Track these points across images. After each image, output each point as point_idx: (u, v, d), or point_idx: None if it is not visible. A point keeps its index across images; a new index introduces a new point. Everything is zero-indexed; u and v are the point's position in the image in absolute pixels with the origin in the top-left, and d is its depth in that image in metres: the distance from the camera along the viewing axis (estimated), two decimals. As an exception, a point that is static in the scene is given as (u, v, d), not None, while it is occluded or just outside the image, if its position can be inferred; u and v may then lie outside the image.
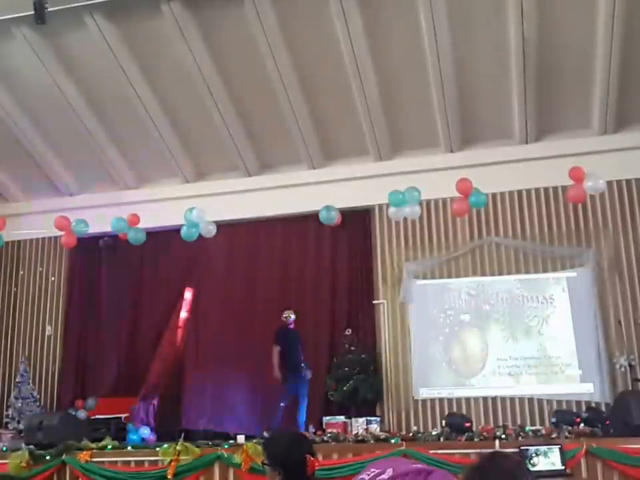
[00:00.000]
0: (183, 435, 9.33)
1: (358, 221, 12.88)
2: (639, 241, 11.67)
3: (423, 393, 11.72)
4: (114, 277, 13.99)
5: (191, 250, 12.60)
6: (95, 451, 9.32)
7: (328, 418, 10.20)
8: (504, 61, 11.24)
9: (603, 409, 10.58)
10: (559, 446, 7.41)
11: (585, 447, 7.43)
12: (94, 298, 14.00)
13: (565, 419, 8.69)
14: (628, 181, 11.89)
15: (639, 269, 11.57)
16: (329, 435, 8.63)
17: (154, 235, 12.09)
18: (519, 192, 12.24)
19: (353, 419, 9.93)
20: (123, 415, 12.36)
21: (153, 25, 11.33)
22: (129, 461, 9.24)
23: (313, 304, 12.88)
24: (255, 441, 8.53)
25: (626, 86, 11.29)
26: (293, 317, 11.83)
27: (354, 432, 9.31)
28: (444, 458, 7.79)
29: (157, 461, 8.97)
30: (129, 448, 9.69)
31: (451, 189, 10.36)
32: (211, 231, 11.06)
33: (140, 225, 11.34)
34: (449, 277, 12.30)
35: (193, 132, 13.00)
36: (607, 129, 11.84)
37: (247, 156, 13.15)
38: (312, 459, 3.64)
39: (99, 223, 11.86)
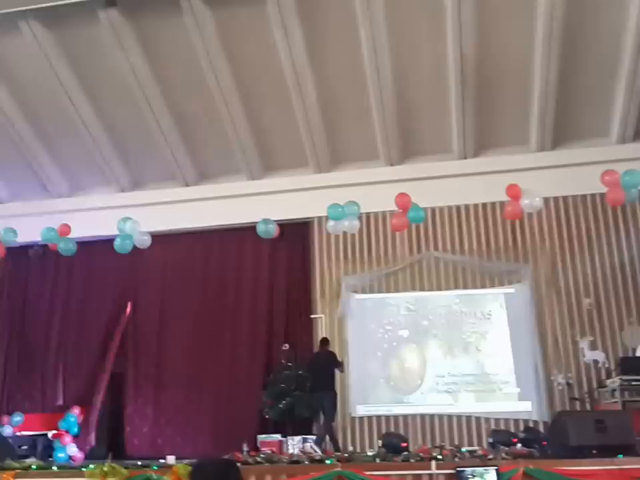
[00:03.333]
0: (110, 455, 8.98)
1: (297, 233, 12.72)
2: (576, 258, 11.80)
3: (360, 411, 11.58)
4: (43, 288, 13.54)
5: (126, 261, 12.25)
6: (18, 471, 8.89)
7: (263, 436, 9.99)
8: (443, 76, 11.27)
9: (541, 427, 10.60)
10: (496, 467, 7.28)
11: (522, 468, 7.33)
12: (22, 309, 13.52)
13: (502, 439, 8.60)
14: (565, 198, 12.03)
15: (576, 286, 11.69)
16: (262, 455, 8.39)
17: (88, 245, 11.77)
18: (458, 207, 12.27)
19: (289, 438, 9.72)
20: (50, 432, 11.95)
21: (90, 32, 11.08)
22: (54, 482, 8.86)
23: (249, 317, 12.64)
24: (186, 461, 8.26)
25: (563, 104, 11.42)
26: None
27: (289, 451, 9.12)
28: (379, 479, 7.64)
29: (83, 482, 8.62)
30: (54, 468, 9.24)
31: (390, 203, 10.22)
32: (145, 241, 10.74)
33: (72, 235, 10.95)
34: (388, 291, 12.23)
35: (129, 140, 12.70)
36: (544, 146, 11.95)
37: (185, 166, 12.91)
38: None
39: (30, 231, 11.42)
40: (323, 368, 10.82)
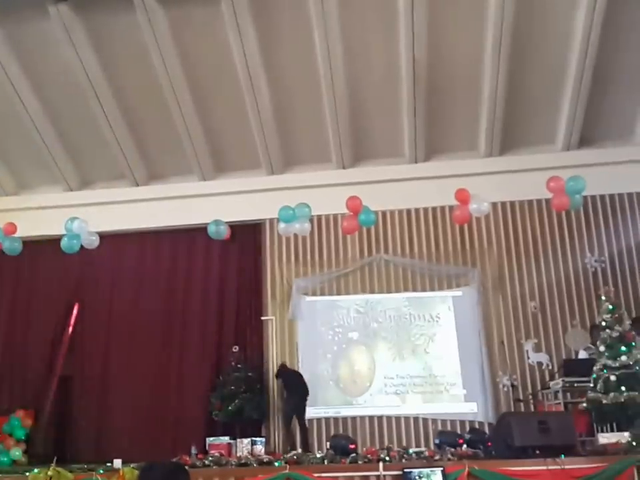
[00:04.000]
0: (55, 459, 8.84)
1: (248, 235, 12.70)
2: (522, 262, 12.03)
3: (310, 413, 11.51)
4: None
5: (73, 261, 12.08)
6: (-42, 475, 8.74)
7: (212, 439, 9.85)
8: (395, 81, 11.39)
9: (487, 428, 10.78)
10: (442, 468, 7.41)
11: (467, 469, 7.46)
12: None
13: (448, 440, 8.73)
14: (512, 203, 12.26)
15: (522, 289, 11.92)
16: (210, 458, 8.37)
17: (34, 244, 11.64)
18: (408, 211, 12.42)
19: (238, 440, 9.65)
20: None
21: (40, 27, 10.90)
22: (-3, 486, 8.72)
23: (199, 319, 12.57)
24: (132, 465, 8.19)
25: (511, 110, 11.64)
26: None
27: (238, 454, 9.08)
28: (328, 481, 7.68)
29: (27, 486, 8.48)
30: (-3, 472, 9.13)
31: (341, 206, 10.23)
32: (93, 242, 10.57)
33: (18, 234, 10.75)
34: (339, 293, 12.30)
35: (78, 138, 12.53)
36: (492, 152, 12.17)
37: (135, 165, 12.79)
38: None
39: (-26, 230, 11.23)
40: (295, 380, 11.12)
